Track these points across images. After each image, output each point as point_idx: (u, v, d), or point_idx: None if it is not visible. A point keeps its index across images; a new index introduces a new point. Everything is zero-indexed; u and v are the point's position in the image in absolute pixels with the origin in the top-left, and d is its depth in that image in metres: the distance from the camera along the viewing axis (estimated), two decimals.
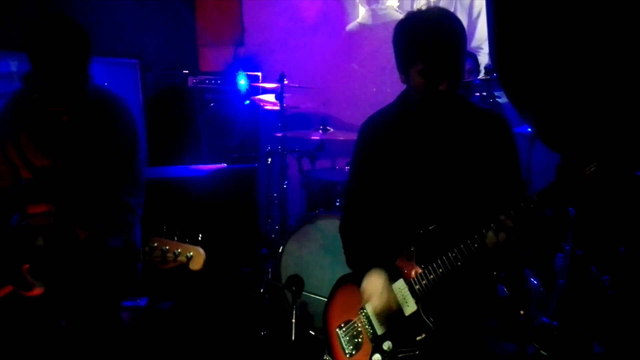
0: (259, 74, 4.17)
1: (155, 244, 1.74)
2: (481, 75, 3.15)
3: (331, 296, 2.00)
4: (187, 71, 4.04)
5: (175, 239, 1.76)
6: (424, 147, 1.78)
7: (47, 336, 2.11)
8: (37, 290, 1.90)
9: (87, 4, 3.72)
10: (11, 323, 2.04)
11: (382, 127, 1.89)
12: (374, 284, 1.76)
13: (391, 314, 1.75)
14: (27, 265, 1.90)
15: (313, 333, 3.04)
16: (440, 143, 1.76)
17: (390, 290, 1.74)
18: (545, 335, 2.69)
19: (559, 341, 2.64)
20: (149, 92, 4.08)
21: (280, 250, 3.18)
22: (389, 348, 1.74)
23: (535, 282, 2.98)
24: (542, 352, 2.63)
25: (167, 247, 1.72)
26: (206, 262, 1.73)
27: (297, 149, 3.54)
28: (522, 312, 2.86)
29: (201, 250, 1.73)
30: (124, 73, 4.22)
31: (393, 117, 1.87)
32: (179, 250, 1.72)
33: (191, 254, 1.72)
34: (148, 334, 3.22)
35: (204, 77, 4.06)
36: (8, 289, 1.94)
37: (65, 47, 1.95)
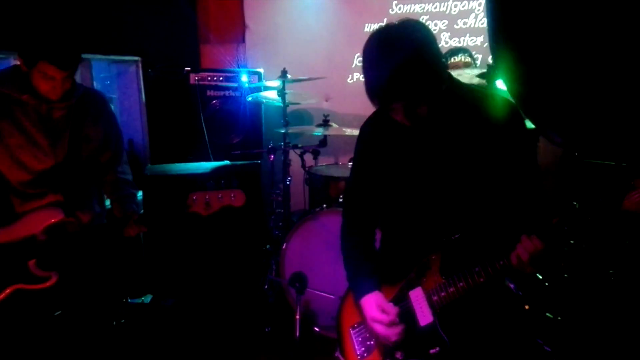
0: (261, 70, 4.16)
1: (195, 197, 2.01)
2: (479, 71, 3.09)
3: (346, 295, 1.95)
4: (189, 68, 4.03)
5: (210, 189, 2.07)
6: (432, 148, 1.64)
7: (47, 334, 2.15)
8: (52, 280, 2.00)
9: (88, 2, 3.70)
10: (12, 325, 2.05)
11: (384, 127, 1.72)
12: (371, 308, 1.71)
13: (406, 322, 1.68)
14: (33, 261, 1.97)
15: (317, 330, 3.04)
16: (448, 142, 1.61)
17: (405, 301, 1.68)
18: (550, 331, 2.68)
19: (563, 337, 2.63)
20: (151, 90, 4.08)
21: (283, 247, 3.18)
22: (400, 357, 1.67)
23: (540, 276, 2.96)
24: (545, 347, 2.62)
25: (208, 197, 2.02)
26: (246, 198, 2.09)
27: (299, 145, 3.53)
28: (526, 307, 2.85)
29: (240, 190, 2.05)
30: (125, 71, 4.23)
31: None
32: (220, 195, 2.02)
33: (233, 195, 2.04)
34: (151, 331, 3.23)
35: (205, 74, 4.05)
36: (8, 291, 1.95)
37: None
